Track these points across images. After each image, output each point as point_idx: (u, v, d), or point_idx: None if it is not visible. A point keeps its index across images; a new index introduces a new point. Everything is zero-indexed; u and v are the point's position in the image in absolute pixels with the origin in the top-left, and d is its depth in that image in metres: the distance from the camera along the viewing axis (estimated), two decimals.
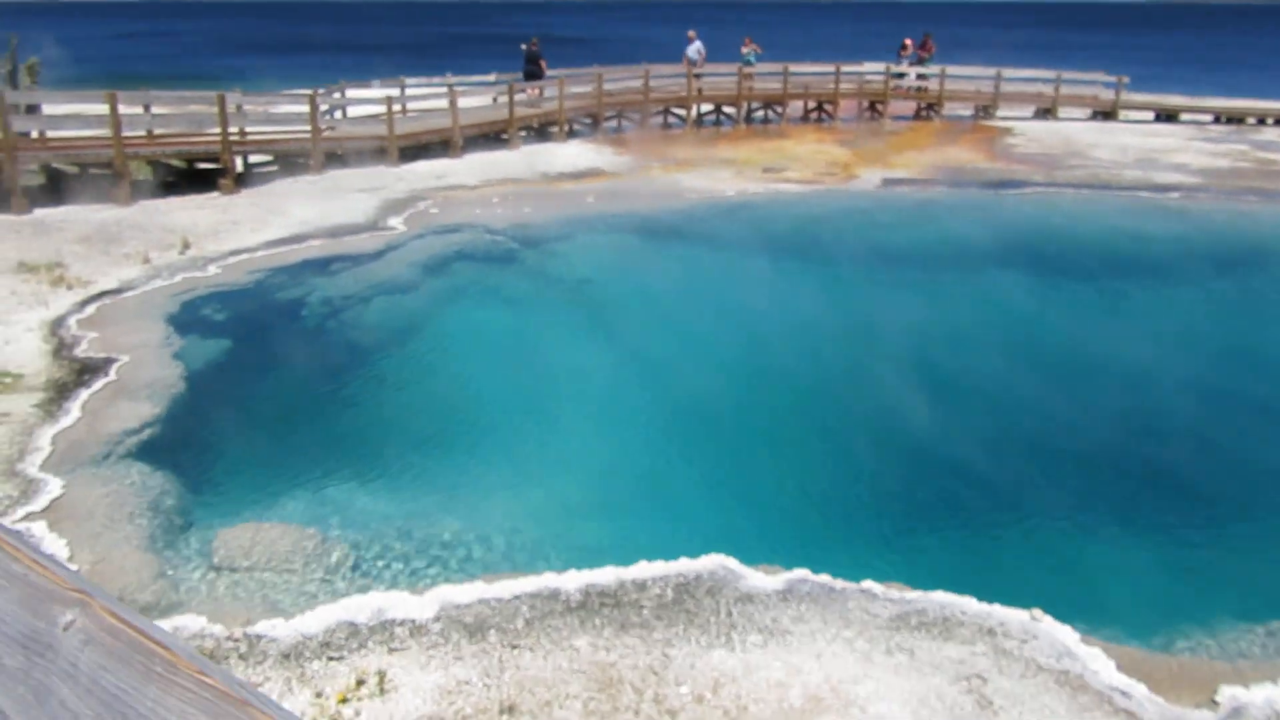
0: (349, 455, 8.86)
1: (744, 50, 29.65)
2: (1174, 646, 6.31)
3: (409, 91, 25.20)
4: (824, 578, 6.75)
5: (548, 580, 6.74)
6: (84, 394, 9.48)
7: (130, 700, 1.01)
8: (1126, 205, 19.03)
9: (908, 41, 32.35)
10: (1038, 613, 6.35)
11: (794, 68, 30.22)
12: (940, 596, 6.56)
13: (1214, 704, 5.66)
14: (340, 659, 5.94)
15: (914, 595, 6.59)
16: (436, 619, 6.32)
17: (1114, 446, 9.39)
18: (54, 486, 7.82)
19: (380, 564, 7.19)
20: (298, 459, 8.75)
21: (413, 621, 6.29)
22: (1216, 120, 30.76)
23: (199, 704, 0.99)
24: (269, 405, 9.89)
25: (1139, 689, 5.73)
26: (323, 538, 7.42)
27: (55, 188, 17.33)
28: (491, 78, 27.36)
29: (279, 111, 21.10)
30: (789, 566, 6.89)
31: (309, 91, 20.53)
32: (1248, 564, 7.42)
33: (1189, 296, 13.99)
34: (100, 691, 1.03)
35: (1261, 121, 30.57)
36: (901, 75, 31.20)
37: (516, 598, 6.55)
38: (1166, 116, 30.95)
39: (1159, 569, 7.34)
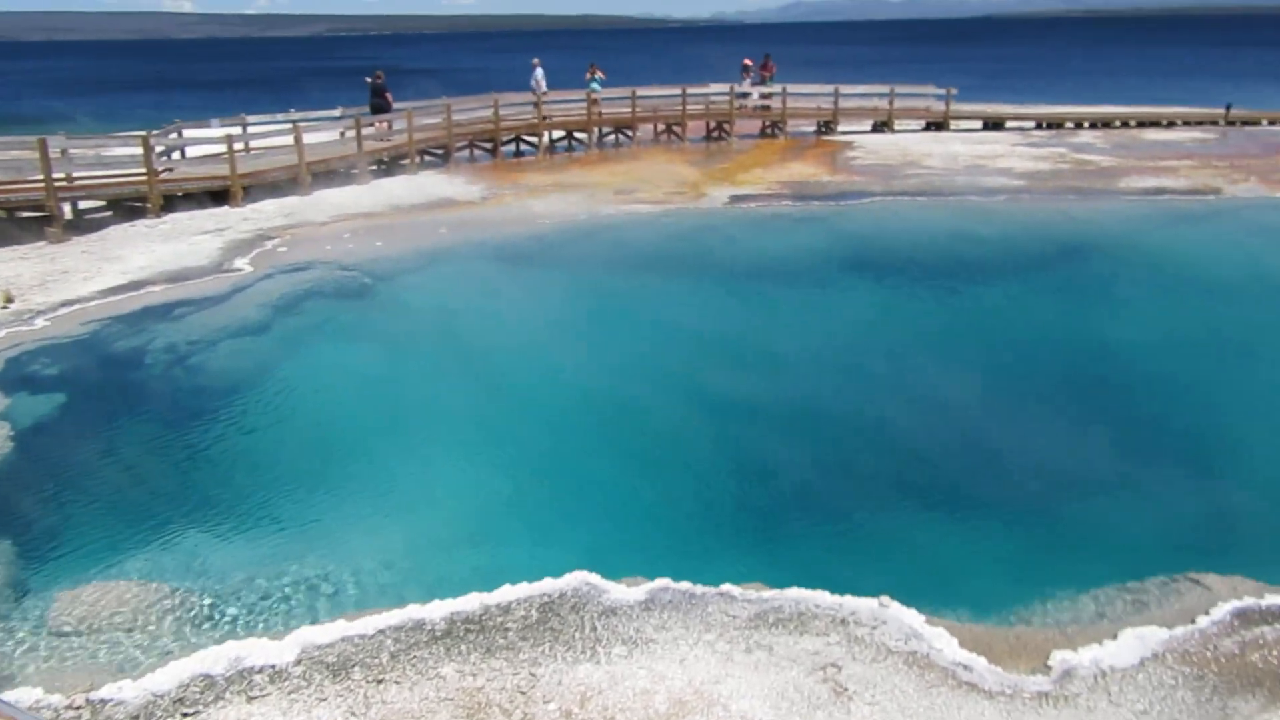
0: (200, 505, 8.60)
1: (588, 77, 30.05)
2: (1010, 619, 6.72)
3: (252, 129, 24.51)
4: (685, 585, 6.93)
5: (411, 612, 6.71)
6: None
7: None
8: (958, 210, 20.08)
9: (748, 62, 33.42)
10: (886, 599, 6.67)
11: (641, 91, 30.83)
12: (795, 593, 6.82)
13: (1047, 669, 6.05)
14: (195, 714, 5.77)
15: (770, 594, 6.83)
16: (298, 661, 6.21)
17: (951, 436, 9.91)
18: None
19: (237, 612, 7.02)
20: (144, 514, 8.44)
21: (273, 667, 6.17)
22: (1039, 126, 32.77)
23: None
24: (110, 461, 9.50)
25: (980, 662, 6.09)
26: (174, 591, 7.21)
27: None
28: (338, 112, 26.91)
29: (111, 154, 20.29)
30: (651, 577, 7.05)
31: (142, 133, 19.83)
32: (1074, 538, 7.96)
33: (1014, 291, 14.86)
34: None
35: (1078, 125, 32.74)
36: (745, 95, 32.13)
37: (380, 632, 6.50)
38: (993, 124, 32.79)
39: (996, 549, 7.80)
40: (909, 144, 29.13)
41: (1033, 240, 17.65)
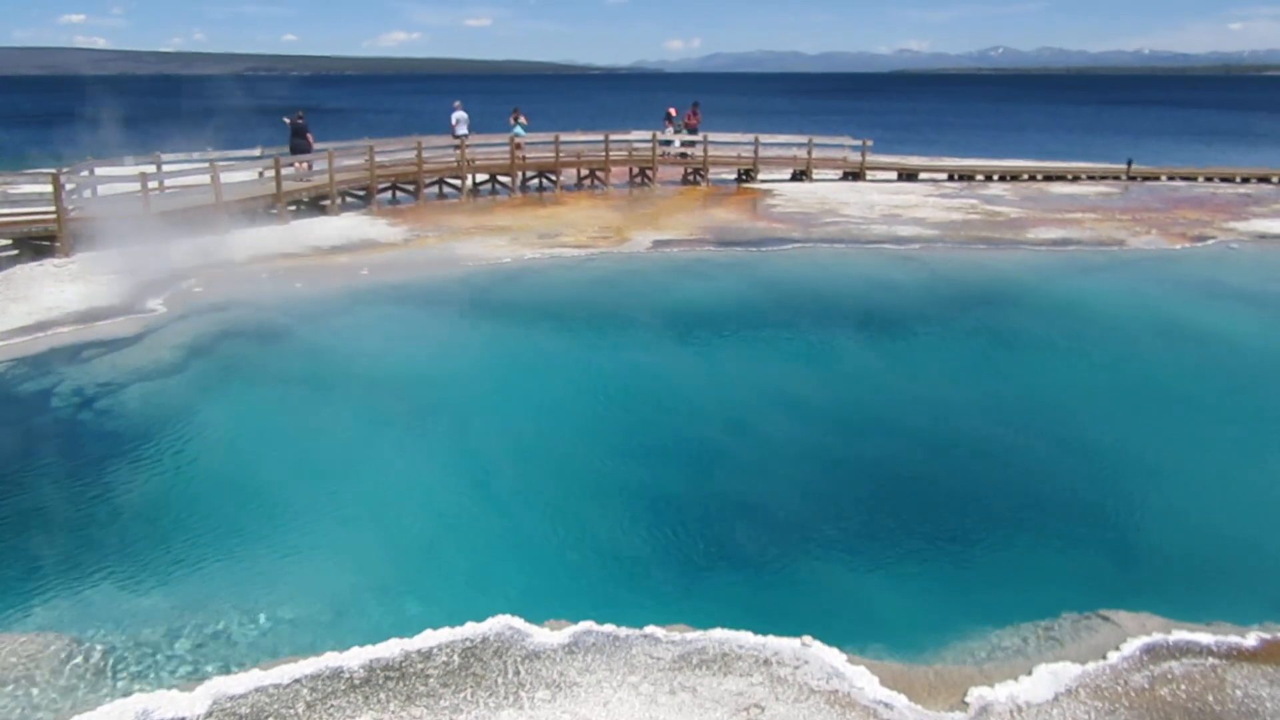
0: (108, 552, 8.30)
1: (512, 121, 30.21)
2: (929, 657, 6.83)
3: (166, 168, 24.06)
4: (609, 627, 6.91)
5: (329, 660, 6.56)
6: None
7: None
8: (874, 257, 20.59)
9: (672, 110, 33.94)
10: (808, 639, 6.73)
11: (565, 137, 31.05)
12: (719, 634, 6.85)
13: (965, 705, 6.16)
14: None
15: (694, 635, 6.85)
16: (209, 714, 6.03)
17: (869, 477, 10.08)
18: None
19: (145, 662, 6.78)
20: (47, 563, 8.11)
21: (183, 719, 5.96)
22: (950, 178, 33.83)
23: None
24: (13, 507, 9.12)
25: (900, 699, 6.17)
26: (79, 641, 6.94)
27: None
28: (257, 152, 26.58)
29: (19, 192, 19.71)
30: (574, 620, 7.02)
31: (52, 170, 19.32)
32: (990, 576, 8.14)
33: (931, 336, 15.24)
34: None
35: (988, 178, 33.87)
36: (668, 142, 32.61)
37: (296, 681, 6.34)
38: (907, 176, 33.73)
39: (916, 587, 7.92)
40: (827, 193, 29.80)
41: (947, 287, 18.14)
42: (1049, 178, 33.93)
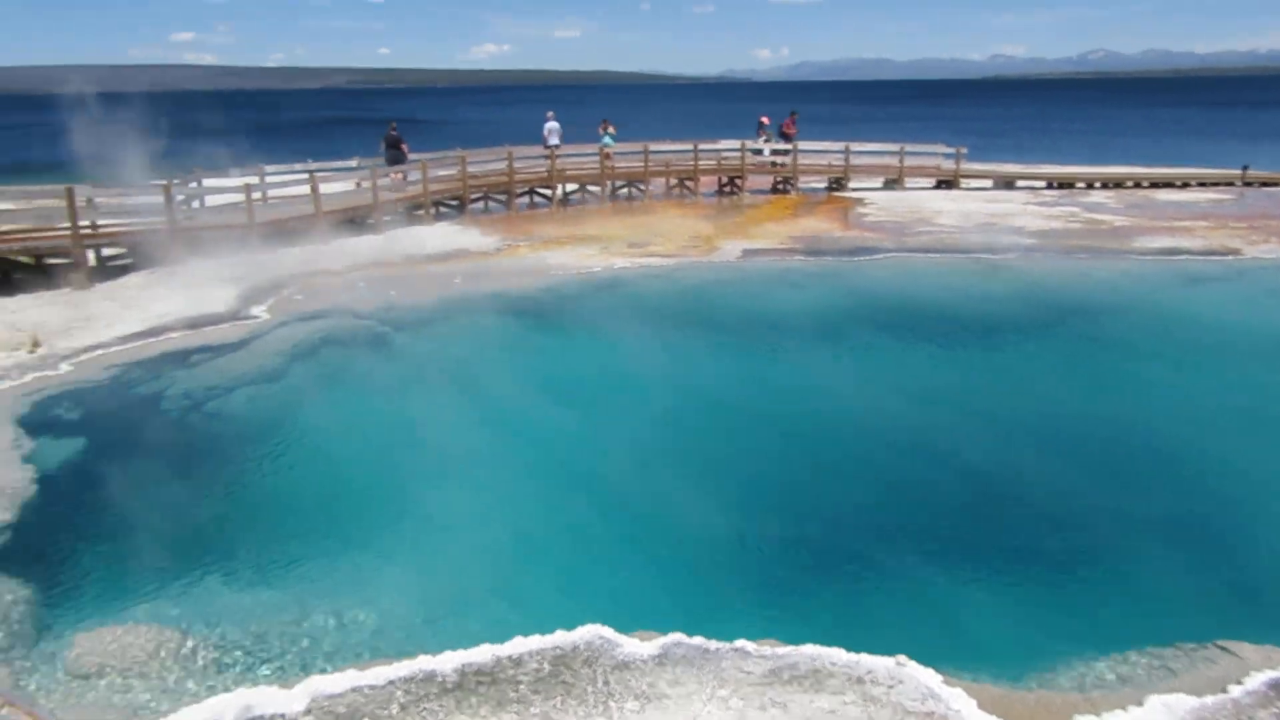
0: (214, 551, 8.58)
1: (601, 132, 30.45)
2: (1031, 681, 6.60)
3: (269, 179, 24.88)
4: (698, 640, 6.87)
5: (422, 663, 6.66)
6: None
7: None
8: (971, 267, 20.13)
9: (764, 119, 33.80)
10: (903, 658, 6.59)
11: (654, 146, 31.21)
12: (810, 649, 6.74)
13: None
14: None
15: (785, 650, 6.76)
16: (307, 711, 6.16)
17: (970, 494, 9.82)
18: None
19: (248, 659, 6.99)
20: (159, 559, 8.41)
21: (282, 716, 6.12)
22: (1049, 186, 32.89)
23: None
24: (129, 505, 9.49)
25: None
26: (187, 636, 7.19)
27: None
28: (354, 163, 27.34)
29: (133, 203, 20.57)
30: (664, 631, 6.99)
31: (164, 182, 20.12)
32: (1097, 600, 7.82)
33: (1029, 350, 14.82)
34: None
35: (1090, 186, 32.85)
36: (758, 151, 32.50)
37: (391, 683, 6.44)
38: (1004, 183, 32.94)
39: (1016, 609, 7.68)
40: (920, 201, 29.30)
41: (1047, 297, 17.63)
42: (1155, 184, 32.69)
